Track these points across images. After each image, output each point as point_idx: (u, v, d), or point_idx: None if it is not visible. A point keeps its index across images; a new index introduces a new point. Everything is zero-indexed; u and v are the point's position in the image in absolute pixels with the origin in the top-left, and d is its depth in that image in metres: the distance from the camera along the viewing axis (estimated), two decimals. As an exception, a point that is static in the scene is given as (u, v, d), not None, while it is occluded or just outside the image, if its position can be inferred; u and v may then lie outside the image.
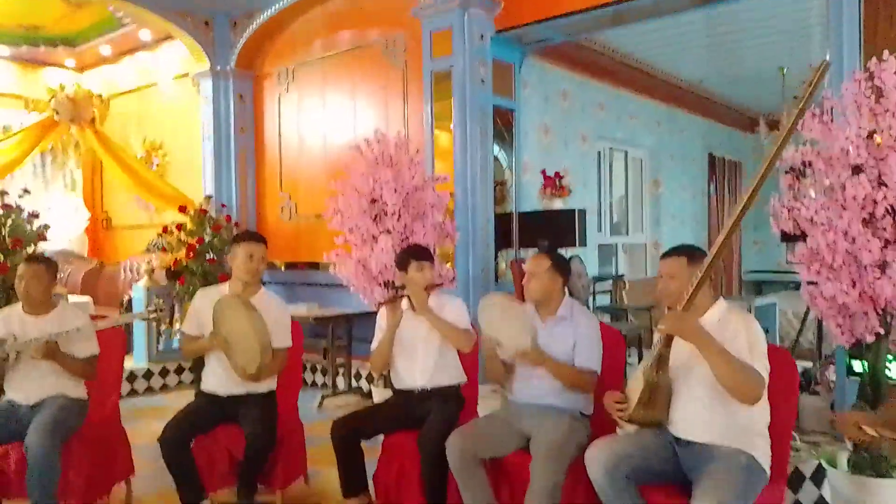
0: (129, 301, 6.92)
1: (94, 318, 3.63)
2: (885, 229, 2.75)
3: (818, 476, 3.23)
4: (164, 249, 7.04)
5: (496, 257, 5.69)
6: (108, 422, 3.67)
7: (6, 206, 5.31)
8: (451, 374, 3.36)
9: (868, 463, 2.94)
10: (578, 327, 2.99)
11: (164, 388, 6.56)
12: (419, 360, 3.33)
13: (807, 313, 4.89)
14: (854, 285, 2.77)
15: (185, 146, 8.00)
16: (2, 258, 5.19)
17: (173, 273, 6.82)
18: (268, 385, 3.46)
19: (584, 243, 5.63)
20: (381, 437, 3.38)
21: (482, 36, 5.44)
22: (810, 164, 2.92)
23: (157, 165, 8.40)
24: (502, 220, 5.77)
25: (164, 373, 6.60)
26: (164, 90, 8.36)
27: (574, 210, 5.59)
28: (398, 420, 3.29)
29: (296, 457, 3.60)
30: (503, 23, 5.52)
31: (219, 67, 7.24)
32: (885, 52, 2.85)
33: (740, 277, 10.33)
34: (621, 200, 8.55)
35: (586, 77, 7.28)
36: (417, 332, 3.31)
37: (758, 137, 8.84)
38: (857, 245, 2.71)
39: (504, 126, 5.85)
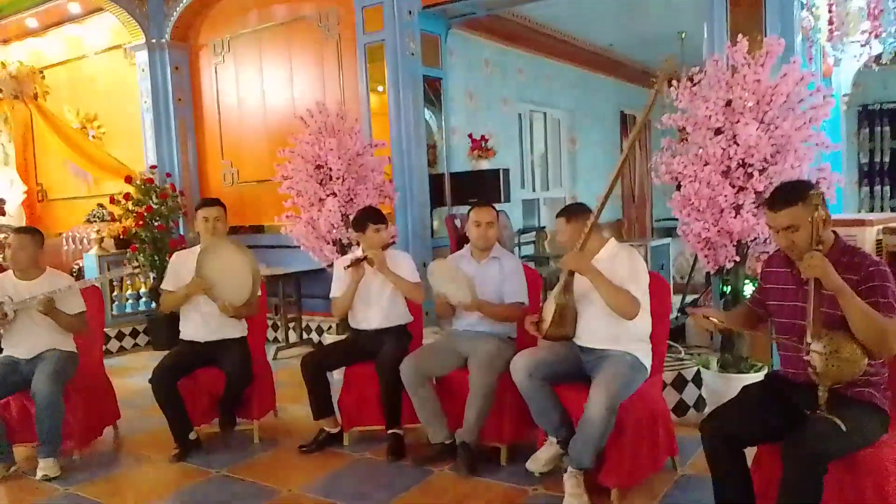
0: (80, 269, 7.19)
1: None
2: (738, 178, 3.49)
3: (697, 379, 4.03)
4: (112, 218, 7.32)
5: (431, 215, 6.30)
6: (95, 371, 4.14)
7: (-38, 184, 5.53)
8: (400, 316, 3.96)
9: (732, 362, 3.76)
10: (505, 267, 3.65)
11: (122, 350, 6.94)
12: (373, 306, 3.90)
13: (697, 252, 5.72)
14: (715, 223, 3.52)
15: (121, 117, 8.17)
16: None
17: (123, 241, 7.14)
18: (240, 331, 4.00)
19: (508, 199, 6.31)
20: (342, 370, 3.98)
21: (410, 11, 5.93)
22: (683, 129, 3.63)
23: (93, 137, 8.53)
24: (435, 181, 6.35)
25: (120, 336, 6.96)
26: (94, 62, 8.46)
27: (499, 169, 6.25)
28: (357, 354, 3.89)
29: (267, 392, 4.18)
30: (428, -1, 6.03)
31: (154, 40, 7.44)
32: (740, 35, 3.56)
33: (652, 224, 11.30)
34: (542, 158, 9.27)
35: (507, 45, 7.88)
36: (373, 283, 3.88)
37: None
38: (716, 192, 3.44)
39: (433, 93, 6.40)
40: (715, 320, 2.57)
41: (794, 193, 2.25)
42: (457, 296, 3.54)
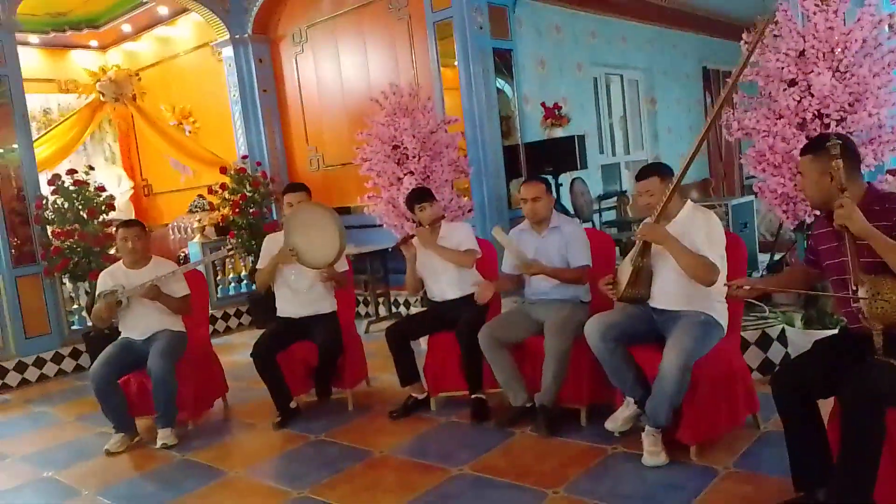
0: (186, 257, 7.75)
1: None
2: (815, 129, 3.40)
3: (782, 337, 3.97)
4: (211, 208, 7.82)
5: (507, 186, 6.38)
6: (202, 349, 4.52)
7: (78, 182, 6.07)
8: (472, 284, 4.08)
9: (816, 319, 3.69)
10: (566, 233, 3.72)
11: (227, 329, 7.44)
12: (442, 278, 4.08)
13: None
14: (792, 178, 3.45)
15: (212, 111, 8.69)
16: (79, 228, 5.98)
17: (222, 228, 7.62)
18: (330, 306, 4.26)
19: (584, 166, 6.29)
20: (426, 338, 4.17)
21: (476, -15, 5.99)
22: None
23: (190, 132, 9.10)
24: (510, 152, 6.41)
25: (225, 317, 7.47)
26: (184, 61, 8.99)
27: (574, 137, 6.23)
28: (437, 324, 4.08)
29: (358, 363, 4.44)
30: (494, -29, 6.06)
31: (237, 35, 7.83)
32: (811, -17, 3.44)
33: (742, 181, 10.90)
34: (620, 121, 9.11)
35: (577, 9, 7.77)
36: (435, 258, 4.05)
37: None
38: (791, 145, 3.37)
39: (504, 64, 6.44)
40: (747, 287, 2.58)
41: (809, 145, 2.42)
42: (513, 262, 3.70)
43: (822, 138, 2.35)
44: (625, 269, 3.25)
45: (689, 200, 3.25)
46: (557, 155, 6.21)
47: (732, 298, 2.79)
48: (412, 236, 4.07)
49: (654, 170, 3.25)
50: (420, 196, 4.12)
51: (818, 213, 3.52)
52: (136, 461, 3.85)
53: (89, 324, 6.25)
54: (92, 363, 4.15)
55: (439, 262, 4.03)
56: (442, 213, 4.28)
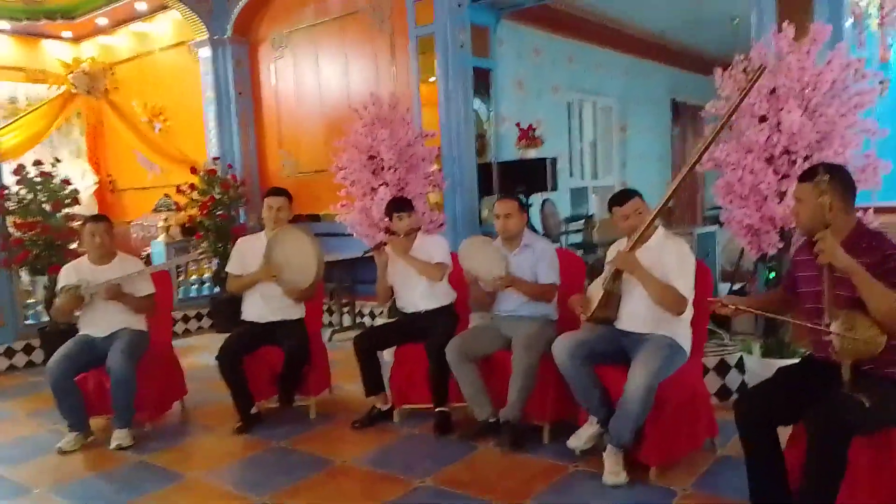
0: (149, 256, 7.61)
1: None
2: (782, 165, 3.52)
3: (740, 364, 4.07)
4: (178, 208, 7.71)
5: (480, 203, 6.43)
6: (163, 350, 4.43)
7: (44, 174, 5.93)
8: (443, 296, 4.13)
9: (774, 348, 3.80)
10: (537, 251, 3.78)
11: (187, 332, 7.32)
12: (415, 288, 4.10)
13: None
14: (758, 210, 3.56)
15: (185, 110, 8.57)
16: (42, 220, 5.84)
17: (188, 229, 7.52)
18: (299, 312, 4.24)
19: (555, 188, 6.39)
20: (392, 350, 4.18)
21: (460, 4, 6.05)
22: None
23: (160, 130, 8.98)
24: (483, 170, 6.47)
25: (185, 319, 7.34)
26: (160, 58, 8.88)
27: (546, 159, 6.33)
28: (406, 335, 4.08)
29: (323, 371, 4.41)
30: (478, -9, 6.14)
31: (216, 36, 7.78)
32: (785, 23, 3.58)
33: (703, 212, 11.16)
34: (592, 146, 9.28)
35: (556, 34, 7.93)
36: (409, 268, 4.07)
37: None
38: (758, 179, 3.48)
39: (483, 83, 6.52)
40: (732, 306, 2.61)
41: (808, 172, 2.44)
42: (489, 270, 3.67)
43: (819, 168, 2.36)
44: (595, 290, 3.33)
45: (660, 227, 3.34)
46: (529, 175, 6.29)
47: (717, 311, 2.85)
48: (385, 243, 4.08)
49: (635, 192, 3.33)
50: (400, 205, 4.15)
51: (781, 245, 3.67)
52: (91, 461, 3.76)
53: (45, 319, 6.09)
54: (46, 359, 4.05)
55: (413, 273, 4.05)
56: (419, 225, 4.30)
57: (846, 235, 2.33)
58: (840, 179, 2.36)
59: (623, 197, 3.31)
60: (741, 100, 3.22)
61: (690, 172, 3.22)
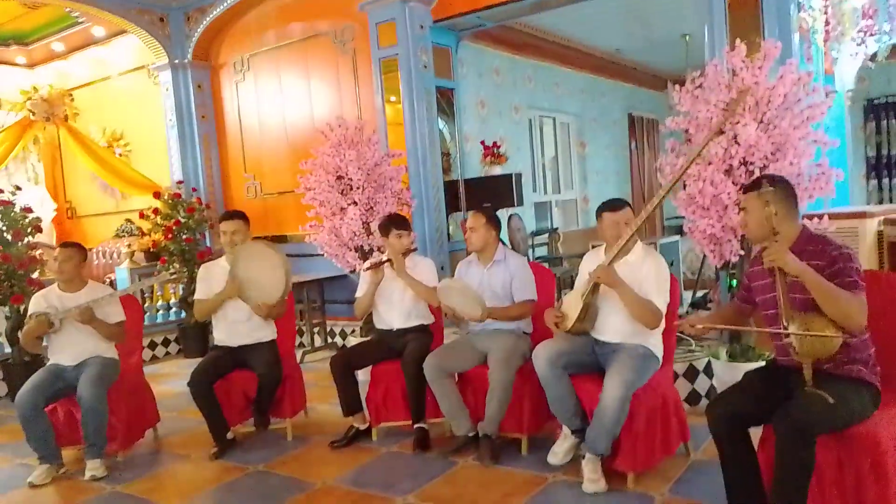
0: (112, 282, 7.48)
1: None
2: (741, 176, 3.67)
3: (708, 369, 4.20)
4: (140, 233, 7.60)
5: (447, 220, 6.51)
6: (135, 377, 4.37)
7: (3, 203, 5.81)
8: (422, 317, 4.17)
9: (740, 353, 3.93)
10: (511, 267, 3.84)
11: (154, 358, 7.19)
12: (396, 307, 4.13)
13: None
14: (720, 220, 3.69)
15: (146, 134, 8.48)
16: (3, 249, 5.71)
17: (153, 254, 7.42)
18: (270, 334, 4.22)
19: (521, 203, 6.51)
20: (368, 369, 4.18)
21: (422, 26, 6.16)
22: (686, 131, 3.81)
23: (120, 155, 8.85)
24: (450, 187, 6.57)
25: (152, 345, 7.22)
26: (119, 83, 8.78)
27: (511, 174, 6.45)
28: (382, 353, 4.11)
29: (298, 392, 4.39)
30: (439, 13, 6.26)
31: (176, 60, 7.73)
32: (737, 40, 3.75)
33: (663, 223, 11.45)
34: (553, 162, 9.46)
35: (516, 54, 8.11)
36: (395, 286, 4.10)
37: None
38: (719, 190, 3.62)
39: (446, 103, 6.64)
40: (700, 325, 2.73)
41: (753, 183, 2.58)
42: (467, 311, 3.73)
43: (763, 180, 2.52)
44: (572, 303, 3.36)
45: (639, 241, 3.41)
46: (495, 191, 6.39)
47: (687, 332, 2.95)
48: (387, 261, 4.07)
49: (625, 202, 3.42)
50: (400, 223, 4.14)
51: (742, 252, 3.81)
52: (63, 494, 3.68)
53: (7, 350, 5.94)
54: (10, 392, 3.96)
55: (399, 292, 4.08)
56: (415, 246, 4.33)
57: (794, 241, 2.47)
58: (783, 189, 2.51)
59: (618, 203, 3.38)
60: (722, 125, 3.35)
61: (669, 191, 3.32)
